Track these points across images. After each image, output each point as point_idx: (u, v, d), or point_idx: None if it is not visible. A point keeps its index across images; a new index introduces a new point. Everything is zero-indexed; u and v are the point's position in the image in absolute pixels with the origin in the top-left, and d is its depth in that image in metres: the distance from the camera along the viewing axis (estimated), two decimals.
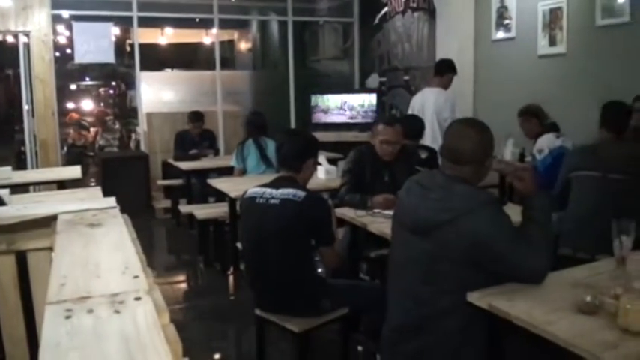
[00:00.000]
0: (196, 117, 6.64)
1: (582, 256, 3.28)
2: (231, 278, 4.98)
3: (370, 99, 8.21)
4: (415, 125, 4.38)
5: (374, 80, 8.65)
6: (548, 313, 1.88)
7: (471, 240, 2.06)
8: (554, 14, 5.71)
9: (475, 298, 2.03)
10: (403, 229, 2.29)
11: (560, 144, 4.42)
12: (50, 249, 1.70)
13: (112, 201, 2.06)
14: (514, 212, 3.28)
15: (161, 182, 7.32)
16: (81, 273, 1.25)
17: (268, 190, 2.82)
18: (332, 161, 5.05)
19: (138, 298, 1.05)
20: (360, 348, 3.47)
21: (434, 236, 2.13)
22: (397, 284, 2.33)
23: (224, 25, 9.14)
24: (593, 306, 1.87)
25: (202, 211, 5.26)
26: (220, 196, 5.14)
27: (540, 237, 2.18)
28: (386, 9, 8.27)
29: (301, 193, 2.75)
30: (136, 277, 1.16)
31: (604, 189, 3.42)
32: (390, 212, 3.20)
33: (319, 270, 3.66)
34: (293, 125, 8.55)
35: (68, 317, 1.01)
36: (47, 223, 1.84)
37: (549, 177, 4.08)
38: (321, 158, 4.79)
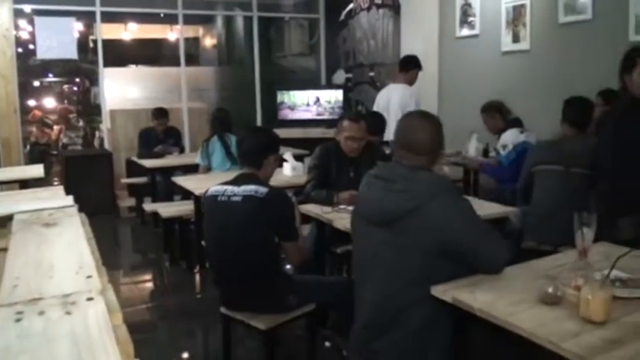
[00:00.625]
0: (161, 114, 6.55)
1: (546, 248, 3.34)
2: (197, 277, 4.93)
3: (336, 95, 8.22)
4: (377, 121, 4.39)
5: (340, 76, 8.66)
6: (510, 304, 1.89)
7: (437, 224, 2.08)
8: (517, 11, 5.78)
9: (439, 292, 2.03)
10: (367, 223, 2.29)
11: (524, 139, 4.49)
12: (5, 250, 1.65)
13: (69, 199, 2.01)
14: (477, 207, 3.34)
15: (125, 180, 7.22)
16: (34, 274, 1.21)
17: (230, 188, 2.79)
18: (298, 158, 5.03)
19: (90, 299, 1.02)
20: (327, 344, 3.46)
21: (401, 226, 2.13)
22: (364, 281, 2.32)
23: (189, 20, 9.04)
24: (555, 297, 1.89)
25: (167, 209, 5.19)
26: (185, 194, 5.08)
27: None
28: (351, 5, 8.28)
29: (263, 189, 2.73)
30: (89, 277, 1.12)
31: (567, 183, 3.48)
32: None
33: (287, 267, 3.65)
34: (259, 122, 8.52)
35: (18, 320, 0.98)
36: (3, 223, 1.79)
37: (513, 171, 4.15)
38: (287, 155, 4.78)
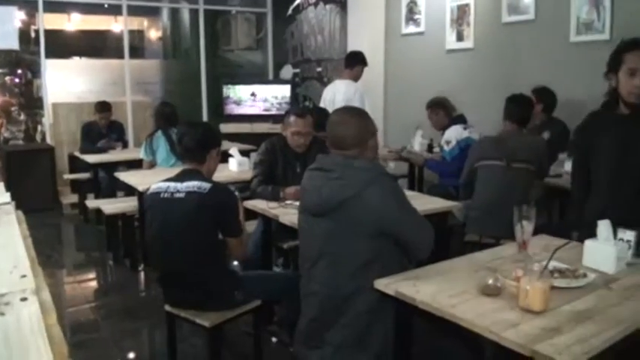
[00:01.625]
0: (104, 107, 6.40)
1: (488, 241, 3.42)
2: (141, 275, 4.85)
3: (284, 90, 8.20)
4: (323, 117, 4.40)
5: (287, 71, 8.64)
6: (452, 296, 1.94)
7: (376, 208, 2.15)
8: (461, 10, 5.89)
9: (382, 285, 2.07)
10: (310, 215, 2.33)
11: (467, 135, 4.58)
12: None
13: (6, 196, 1.94)
14: (421, 202, 3.40)
15: (68, 176, 7.01)
16: None
17: (173, 184, 2.75)
18: (245, 153, 4.99)
19: (24, 299, 0.98)
20: (274, 340, 3.46)
21: (341, 214, 2.19)
22: (310, 273, 2.34)
23: (134, 11, 8.84)
24: (496, 288, 1.94)
25: (110, 206, 5.07)
26: (129, 190, 4.98)
27: None
28: (298, 0, 8.27)
29: (206, 185, 2.70)
30: (24, 276, 1.09)
31: (508, 177, 3.57)
32: None
33: (235, 263, 3.62)
34: (205, 117, 8.41)
35: None
36: None
37: (457, 167, 4.23)
38: (233, 150, 4.74)
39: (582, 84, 4.76)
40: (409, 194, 3.73)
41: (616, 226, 2.30)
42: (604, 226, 2.27)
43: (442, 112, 4.97)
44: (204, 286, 2.76)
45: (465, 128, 4.68)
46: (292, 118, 3.67)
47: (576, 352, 1.59)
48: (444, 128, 4.87)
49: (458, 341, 2.18)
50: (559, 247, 1.98)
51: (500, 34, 5.52)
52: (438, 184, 4.88)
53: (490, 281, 1.95)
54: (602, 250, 2.25)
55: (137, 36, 11.21)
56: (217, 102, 8.37)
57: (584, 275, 2.12)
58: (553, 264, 2.17)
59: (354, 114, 2.44)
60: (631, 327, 1.79)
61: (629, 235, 2.32)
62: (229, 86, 8.25)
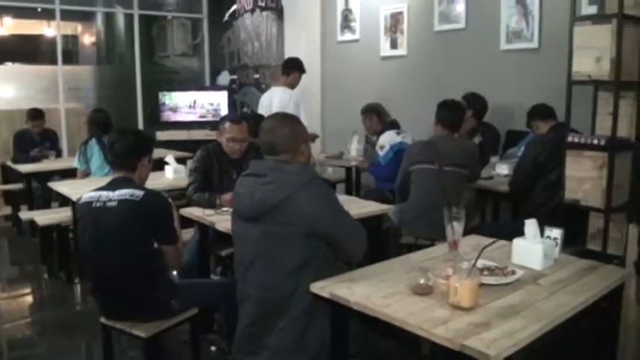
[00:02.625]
0: (36, 115, 6.18)
1: (423, 242, 3.51)
2: (77, 288, 4.72)
3: (221, 97, 8.15)
4: (259, 123, 4.40)
5: (224, 78, 8.60)
6: (385, 297, 1.98)
7: (308, 211, 2.18)
8: (395, 18, 6.02)
9: (317, 288, 2.10)
10: (244, 221, 2.33)
11: (401, 140, 4.68)
12: None
13: None
14: (357, 206, 3.46)
15: (0, 187, 6.75)
16: None
17: (105, 193, 2.69)
18: (181, 160, 4.94)
19: None
20: (213, 348, 3.43)
21: (273, 218, 2.20)
22: (246, 278, 2.34)
23: (67, 16, 8.61)
24: (427, 287, 2.00)
25: (44, 217, 4.91)
26: (64, 201, 4.84)
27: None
28: (235, 6, 8.25)
29: (139, 192, 2.66)
30: None
31: (440, 180, 3.67)
32: None
33: (174, 273, 3.57)
34: (141, 124, 8.27)
35: None
36: None
37: (391, 171, 4.31)
38: (169, 157, 4.69)
39: (512, 90, 4.95)
40: (346, 199, 3.83)
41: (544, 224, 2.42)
42: (531, 225, 2.37)
43: (376, 117, 5.06)
44: (140, 296, 2.71)
45: (398, 133, 4.78)
46: (227, 125, 3.66)
47: (503, 345, 1.66)
48: (377, 133, 4.96)
49: (394, 341, 2.24)
50: (487, 246, 2.06)
51: (433, 42, 5.67)
52: (375, 189, 4.96)
53: (422, 281, 2.01)
54: (530, 248, 2.34)
55: (71, 41, 10.92)
56: (153, 109, 8.24)
57: (513, 272, 2.20)
58: (483, 262, 2.25)
59: (285, 120, 2.46)
60: (557, 320, 1.88)
61: (555, 232, 2.44)
62: (165, 93, 8.14)
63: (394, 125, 4.98)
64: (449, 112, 3.88)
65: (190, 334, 3.04)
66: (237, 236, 2.43)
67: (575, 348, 2.23)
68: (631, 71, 2.85)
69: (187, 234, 3.67)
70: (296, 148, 2.36)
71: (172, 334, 3.06)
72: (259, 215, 2.24)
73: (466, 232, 2.92)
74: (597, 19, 2.87)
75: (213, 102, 8.08)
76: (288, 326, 2.23)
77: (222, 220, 3.20)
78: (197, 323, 3.01)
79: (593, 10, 4.00)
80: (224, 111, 7.87)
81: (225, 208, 3.34)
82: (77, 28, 11.18)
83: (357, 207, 3.34)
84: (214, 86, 8.65)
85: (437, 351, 1.75)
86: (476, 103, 4.76)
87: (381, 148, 4.69)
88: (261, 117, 4.73)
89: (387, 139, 4.70)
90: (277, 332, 2.25)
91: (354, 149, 5.40)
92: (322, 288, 2.09)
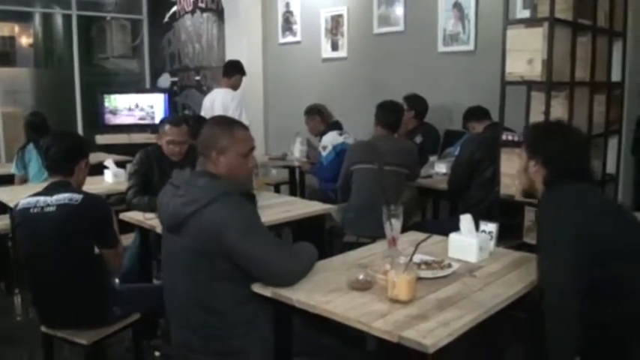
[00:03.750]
0: None
1: (365, 241, 3.55)
2: (17, 298, 4.55)
3: (162, 99, 8.04)
4: (200, 125, 4.37)
5: (165, 80, 8.50)
6: (326, 294, 2.01)
7: (214, 228, 2.08)
8: (335, 21, 6.09)
9: (259, 288, 2.10)
10: (165, 229, 2.31)
11: (343, 140, 4.73)
12: None
13: None
14: (299, 206, 3.48)
15: None
16: None
17: (42, 198, 2.62)
18: (122, 164, 4.85)
19: None
20: (157, 354, 3.38)
21: (185, 231, 2.15)
22: (171, 285, 2.32)
23: (4, 17, 8.35)
24: (366, 283, 2.05)
25: None
26: (2, 208, 4.67)
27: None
28: (175, 8, 8.16)
29: (78, 196, 2.60)
30: None
31: (380, 179, 3.73)
32: None
33: (117, 281, 3.51)
34: (80, 127, 8.08)
35: None
36: None
37: (333, 171, 4.36)
38: (109, 161, 4.60)
39: (450, 91, 5.09)
40: (289, 199, 3.85)
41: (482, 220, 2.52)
42: (466, 220, 2.45)
43: (319, 118, 5.11)
44: (81, 303, 2.65)
45: (340, 134, 4.84)
46: (167, 127, 3.62)
47: (439, 335, 1.71)
48: (320, 134, 5.01)
49: (340, 339, 2.27)
50: (422, 241, 2.11)
51: (373, 44, 5.76)
52: (318, 189, 5.00)
53: (361, 276, 2.06)
54: (465, 241, 2.42)
55: (7, 42, 10.58)
56: (93, 112, 8.06)
57: (449, 265, 2.27)
58: (420, 257, 2.32)
59: (212, 122, 2.42)
60: (491, 310, 1.95)
61: (490, 227, 2.53)
62: (105, 95, 7.97)
63: (337, 126, 5.04)
64: (388, 113, 3.96)
65: (133, 340, 3.00)
66: (162, 243, 2.39)
67: (510, 335, 2.31)
68: (562, 72, 2.98)
69: (127, 239, 3.62)
70: (210, 154, 2.25)
71: (115, 340, 3.00)
72: (175, 227, 2.19)
73: (407, 229, 2.99)
74: (529, 22, 2.99)
75: (153, 105, 7.97)
76: (218, 336, 2.19)
77: None
78: (140, 329, 2.97)
79: (526, 14, 4.15)
80: (165, 114, 7.77)
81: None
82: (14, 29, 10.81)
83: (300, 207, 3.38)
84: (155, 88, 8.53)
85: (382, 346, 1.79)
86: (417, 103, 4.87)
87: (324, 148, 4.74)
88: (202, 119, 4.70)
89: (330, 140, 4.75)
90: (208, 342, 2.20)
91: (297, 150, 5.43)
92: (264, 287, 2.10)
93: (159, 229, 3.12)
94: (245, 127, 2.37)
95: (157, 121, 7.31)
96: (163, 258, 2.40)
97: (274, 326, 2.18)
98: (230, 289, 2.15)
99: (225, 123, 2.37)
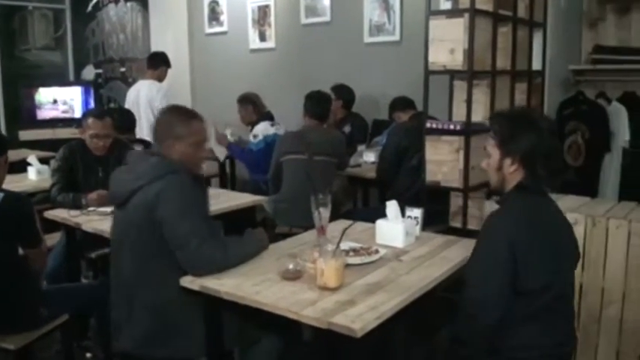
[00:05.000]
0: None
1: (297, 231, 3.58)
2: None
3: (86, 92, 7.80)
4: (126, 118, 4.30)
5: (89, 72, 8.24)
6: (255, 284, 2.03)
7: (152, 202, 2.15)
8: (262, 11, 6.08)
9: (187, 282, 2.10)
10: (114, 205, 2.39)
11: (275, 131, 4.73)
12: None
13: None
14: (229, 198, 3.47)
15: None
16: None
17: None
18: (46, 160, 4.70)
19: None
20: (88, 355, 3.31)
21: (130, 205, 2.23)
22: (117, 264, 2.32)
23: None
24: (296, 272, 2.08)
25: None
26: None
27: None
28: None
29: None
30: None
31: (310, 169, 3.77)
32: (106, 209, 3.12)
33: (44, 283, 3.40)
34: (2, 124, 7.74)
35: None
36: None
37: (264, 162, 4.36)
38: (32, 158, 4.45)
39: (377, 81, 5.17)
40: (218, 192, 3.83)
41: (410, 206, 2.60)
42: (392, 207, 2.52)
43: (251, 107, 5.09)
44: (5, 306, 2.56)
45: (272, 125, 4.83)
46: (90, 120, 3.52)
47: (368, 318, 1.77)
48: (252, 124, 4.99)
49: (276, 331, 2.29)
50: (347, 228, 2.16)
51: (301, 34, 5.78)
52: (249, 181, 4.98)
53: (290, 266, 2.09)
54: (392, 227, 2.50)
55: None
56: (15, 106, 7.73)
57: (377, 251, 2.33)
58: (349, 244, 2.37)
59: (172, 109, 2.46)
60: (418, 292, 2.03)
61: (416, 212, 2.61)
62: (27, 89, 7.65)
63: (269, 117, 5.02)
64: (316, 103, 3.99)
65: (62, 342, 2.93)
66: (112, 223, 2.45)
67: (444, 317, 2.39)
68: (484, 61, 3.06)
69: (52, 239, 3.51)
70: (165, 140, 2.32)
71: (45, 343, 2.94)
72: (122, 202, 2.26)
73: (338, 218, 3.04)
74: (451, 13, 3.06)
75: (78, 98, 7.72)
76: (141, 317, 2.22)
77: (89, 221, 3.08)
78: (69, 330, 2.89)
79: (450, 5, 4.26)
80: (90, 107, 7.53)
81: (91, 208, 3.23)
82: None
83: (230, 199, 3.37)
84: (79, 81, 8.25)
85: (317, 335, 1.82)
86: (344, 93, 4.93)
87: (255, 137, 4.72)
88: (127, 112, 4.62)
89: (261, 129, 4.74)
90: (137, 326, 2.23)
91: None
92: (192, 281, 2.09)
93: (85, 226, 3.07)
94: (201, 118, 2.44)
95: (81, 115, 7.11)
96: (112, 235, 2.42)
97: (204, 320, 2.18)
98: (170, 265, 2.16)
99: (184, 114, 2.42)
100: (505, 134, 1.99)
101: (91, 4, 8.07)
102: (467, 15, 2.91)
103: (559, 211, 2.09)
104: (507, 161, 1.98)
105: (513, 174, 1.99)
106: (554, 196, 2.11)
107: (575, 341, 2.09)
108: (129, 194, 2.21)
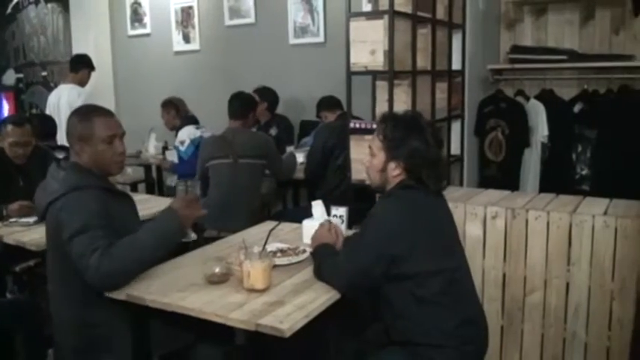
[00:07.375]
0: None
1: (225, 235, 3.55)
2: None
3: (6, 98, 7.50)
4: (46, 125, 4.17)
5: (10, 77, 7.92)
6: (181, 290, 2.01)
7: (56, 225, 2.07)
8: (186, 13, 6.01)
9: (113, 293, 2.05)
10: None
11: (201, 134, 4.68)
12: None
13: None
14: (155, 204, 3.40)
15: None
16: None
17: None
18: None
19: None
20: None
21: (47, 222, 2.17)
22: (50, 279, 2.26)
23: None
24: (222, 275, 2.07)
25: None
26: None
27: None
28: None
29: None
30: None
31: (237, 173, 3.76)
32: (28, 219, 3.03)
33: None
34: None
35: None
36: None
37: (194, 166, 4.29)
38: None
39: (302, 82, 5.21)
40: (145, 197, 3.76)
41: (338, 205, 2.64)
42: (318, 206, 2.55)
43: (174, 111, 5.04)
44: None
45: (197, 128, 4.78)
46: (9, 128, 3.39)
47: (296, 318, 1.79)
48: (176, 129, 4.92)
49: (207, 337, 2.26)
50: (273, 229, 2.18)
51: (225, 36, 5.76)
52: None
53: (217, 270, 2.07)
54: (317, 226, 2.50)
55: None
56: None
57: (304, 251, 2.35)
58: (276, 245, 2.39)
59: (71, 114, 2.29)
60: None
61: (341, 211, 2.65)
62: None
63: (192, 120, 4.97)
64: (238, 105, 3.96)
65: None
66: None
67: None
68: (404, 61, 3.13)
69: None
70: (74, 145, 2.21)
71: None
72: (42, 216, 2.21)
73: (269, 219, 3.04)
74: (371, 15, 3.12)
75: None
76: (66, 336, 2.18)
77: (11, 233, 2.96)
78: None
79: (370, 7, 4.34)
80: (10, 113, 7.25)
81: (13, 219, 3.11)
82: None
83: (155, 205, 3.31)
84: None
85: (250, 338, 1.81)
86: (267, 95, 4.94)
87: (182, 143, 4.65)
88: (47, 118, 4.47)
89: (187, 133, 4.68)
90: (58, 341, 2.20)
91: (152, 146, 5.30)
92: (117, 292, 2.03)
93: (7, 239, 2.94)
94: (107, 113, 2.28)
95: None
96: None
97: (131, 328, 2.14)
98: (68, 288, 2.12)
99: (84, 112, 2.26)
100: (394, 139, 2.04)
101: (10, 5, 7.75)
102: (386, 17, 2.97)
103: (444, 204, 2.19)
104: (392, 165, 2.05)
105: (396, 177, 2.06)
106: (476, 191, 2.19)
107: (483, 322, 2.13)
108: (43, 210, 2.15)
